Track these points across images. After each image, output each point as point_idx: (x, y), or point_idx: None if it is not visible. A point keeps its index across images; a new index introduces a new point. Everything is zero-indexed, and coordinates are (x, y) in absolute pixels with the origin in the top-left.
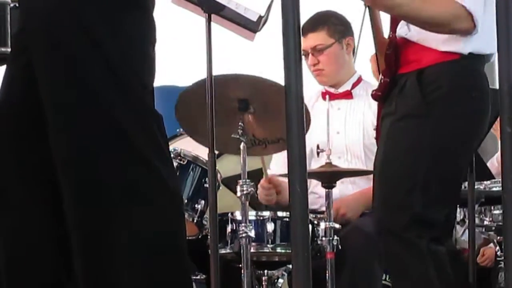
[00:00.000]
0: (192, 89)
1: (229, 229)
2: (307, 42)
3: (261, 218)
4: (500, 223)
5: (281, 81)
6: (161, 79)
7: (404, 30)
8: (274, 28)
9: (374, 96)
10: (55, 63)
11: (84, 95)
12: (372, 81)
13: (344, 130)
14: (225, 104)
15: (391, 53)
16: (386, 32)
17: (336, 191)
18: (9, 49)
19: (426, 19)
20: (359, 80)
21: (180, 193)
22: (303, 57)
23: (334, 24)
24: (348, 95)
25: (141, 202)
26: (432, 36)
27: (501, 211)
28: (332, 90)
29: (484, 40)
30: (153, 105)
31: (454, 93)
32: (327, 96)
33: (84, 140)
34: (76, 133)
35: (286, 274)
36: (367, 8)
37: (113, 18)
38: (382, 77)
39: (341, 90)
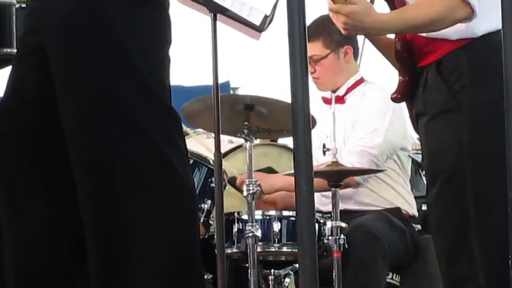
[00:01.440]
0: (197, 99)
1: (235, 228)
2: None
3: (268, 217)
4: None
5: (287, 80)
6: None
7: None
8: (280, 27)
9: (394, 99)
10: (74, 62)
11: (103, 93)
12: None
13: (332, 133)
14: (231, 105)
15: (402, 50)
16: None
17: (345, 192)
18: (14, 50)
19: (425, 21)
20: (358, 82)
21: (195, 192)
22: None
23: (331, 34)
24: (339, 100)
25: (158, 201)
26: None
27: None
28: (327, 95)
29: (494, 17)
30: (170, 103)
31: (478, 75)
32: (333, 99)
33: (101, 139)
34: (94, 132)
35: (292, 273)
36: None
37: (133, 17)
38: (401, 78)
39: (335, 95)
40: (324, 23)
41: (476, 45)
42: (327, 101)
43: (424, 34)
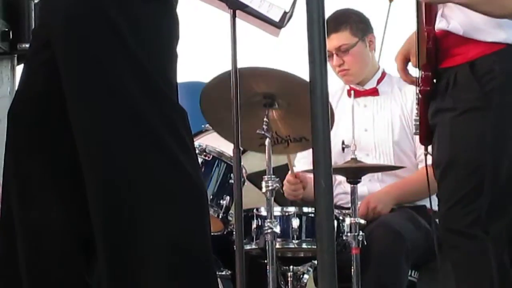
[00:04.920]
0: (216, 82)
1: (254, 225)
2: (331, 43)
3: (286, 214)
4: None
5: (306, 77)
6: (186, 75)
7: (444, 23)
8: (299, 23)
9: (423, 91)
10: (79, 59)
11: (109, 91)
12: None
13: (373, 127)
14: (251, 99)
15: (432, 47)
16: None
17: (364, 189)
18: None
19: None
20: (383, 75)
21: (205, 189)
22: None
23: (355, 22)
24: (374, 92)
25: (167, 199)
26: (477, 26)
27: None
28: (357, 87)
29: None
30: (177, 100)
31: (509, 81)
32: (352, 93)
33: (109, 137)
34: (101, 130)
35: (311, 270)
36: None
37: (138, 14)
38: (423, 72)
39: (366, 87)
40: (345, 13)
41: (508, 53)
42: (356, 93)
43: (460, 33)
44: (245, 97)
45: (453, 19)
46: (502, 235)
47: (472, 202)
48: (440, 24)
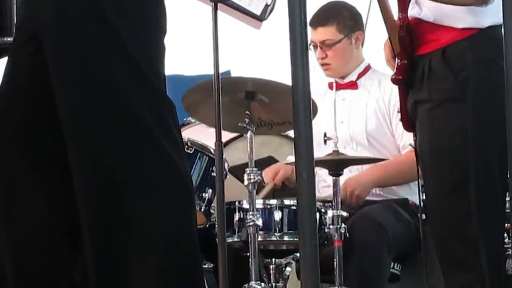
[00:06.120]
0: (197, 86)
1: (236, 217)
2: (317, 35)
3: (269, 206)
4: (508, 210)
5: (288, 71)
6: (167, 68)
7: (416, 10)
8: (280, 16)
9: (395, 80)
10: (69, 51)
11: (98, 83)
12: (382, 69)
13: (348, 120)
14: (232, 94)
15: (405, 35)
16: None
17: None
18: None
19: None
20: (366, 69)
21: (191, 180)
22: (311, 47)
23: (344, 19)
24: (352, 85)
25: (155, 192)
26: (448, 13)
27: (508, 198)
28: (339, 80)
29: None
30: (165, 92)
31: (483, 67)
32: (334, 86)
33: (96, 129)
34: (90, 121)
35: (293, 262)
36: None
37: (128, 6)
38: (399, 60)
39: (346, 80)
40: (336, 8)
41: (480, 38)
42: (337, 86)
43: (431, 20)
44: (227, 93)
45: (425, 6)
46: (496, 232)
47: (461, 196)
48: (412, 11)
